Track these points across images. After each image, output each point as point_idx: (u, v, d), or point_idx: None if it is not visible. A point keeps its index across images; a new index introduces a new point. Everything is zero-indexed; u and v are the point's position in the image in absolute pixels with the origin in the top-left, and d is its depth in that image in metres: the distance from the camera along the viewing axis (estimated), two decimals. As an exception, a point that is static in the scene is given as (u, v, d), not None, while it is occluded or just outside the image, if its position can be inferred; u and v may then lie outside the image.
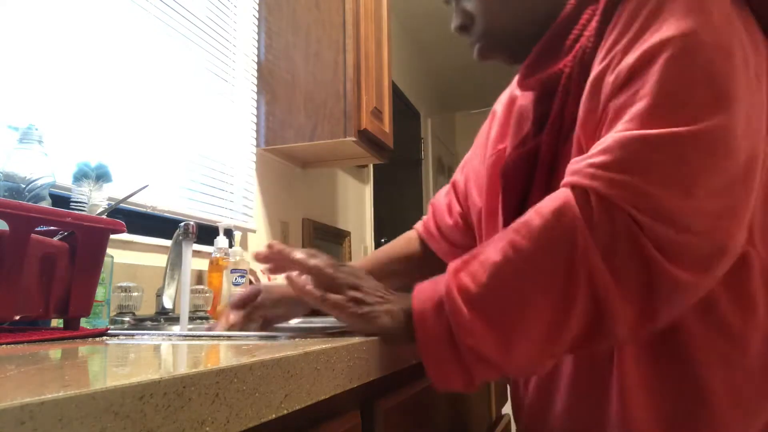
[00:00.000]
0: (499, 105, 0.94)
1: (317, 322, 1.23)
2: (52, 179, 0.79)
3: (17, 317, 0.60)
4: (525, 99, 0.84)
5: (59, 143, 1.19)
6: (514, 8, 0.73)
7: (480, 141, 0.98)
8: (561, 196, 0.55)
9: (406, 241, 1.08)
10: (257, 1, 2.05)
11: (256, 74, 2.02)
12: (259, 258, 0.71)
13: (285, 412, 0.41)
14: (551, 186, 0.68)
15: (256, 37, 2.04)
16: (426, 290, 0.59)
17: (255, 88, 2.01)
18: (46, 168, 0.78)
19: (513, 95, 0.91)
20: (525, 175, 0.71)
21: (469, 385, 0.57)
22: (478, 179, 0.91)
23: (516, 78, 0.91)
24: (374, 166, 3.06)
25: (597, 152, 0.55)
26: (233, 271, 1.44)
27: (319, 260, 0.63)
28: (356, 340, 0.55)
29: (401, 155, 3.22)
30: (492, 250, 0.57)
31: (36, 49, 1.18)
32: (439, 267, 1.02)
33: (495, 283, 0.55)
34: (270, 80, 2.00)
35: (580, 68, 0.66)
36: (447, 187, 1.07)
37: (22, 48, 1.15)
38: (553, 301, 0.53)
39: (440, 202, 1.05)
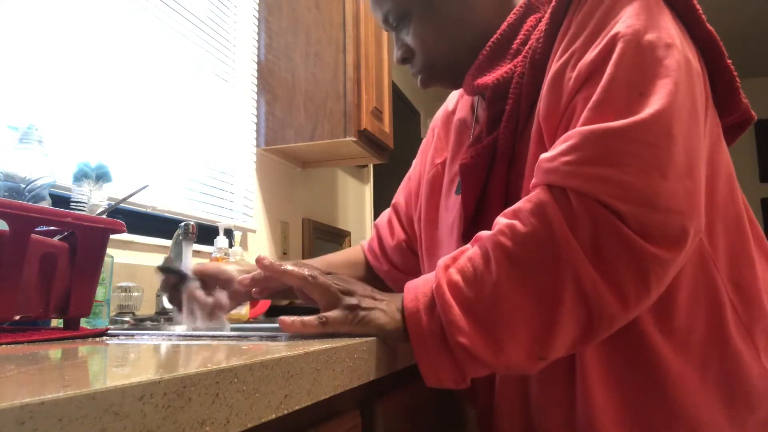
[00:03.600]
0: (436, 122, 0.98)
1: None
2: (52, 179, 0.79)
3: (17, 317, 0.60)
4: (463, 111, 0.88)
5: (59, 143, 1.19)
6: (450, 39, 0.77)
7: (420, 159, 1.01)
8: (541, 197, 0.56)
9: (353, 252, 1.10)
10: (257, 1, 2.05)
11: (256, 74, 2.02)
12: (245, 283, 0.71)
13: (285, 412, 0.41)
14: (510, 178, 0.72)
15: (256, 37, 2.04)
16: (416, 288, 0.60)
17: (255, 88, 2.01)
18: (46, 168, 0.78)
19: (448, 111, 0.96)
20: (483, 169, 0.74)
21: (460, 382, 0.57)
22: (419, 197, 0.95)
23: (452, 95, 0.98)
24: (374, 166, 3.05)
25: (567, 149, 0.56)
26: (233, 271, 1.43)
27: (309, 269, 0.63)
28: (356, 340, 0.55)
29: (401, 155, 3.23)
30: (478, 250, 0.57)
31: (36, 49, 1.18)
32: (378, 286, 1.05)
33: (483, 284, 0.55)
34: (270, 80, 2.00)
35: (531, 68, 0.70)
36: (389, 210, 1.08)
37: (22, 48, 1.15)
38: (540, 305, 0.53)
39: (383, 223, 1.07)
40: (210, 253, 1.49)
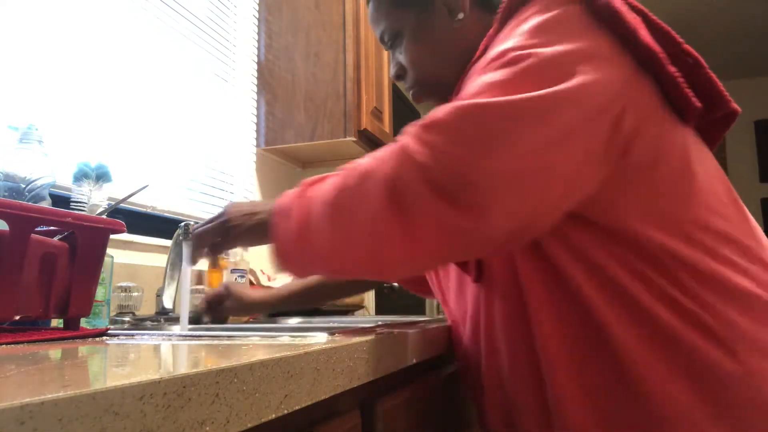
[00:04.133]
0: None
1: (317, 322, 1.23)
2: (52, 179, 0.79)
3: (17, 317, 0.60)
4: None
5: (59, 143, 1.19)
6: (437, 59, 0.83)
7: None
8: (388, 148, 0.62)
9: None
10: (257, 1, 2.05)
11: (256, 74, 2.02)
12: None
13: (285, 412, 0.41)
14: None
15: (256, 37, 2.04)
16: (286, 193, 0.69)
17: (255, 88, 2.01)
18: (46, 168, 0.78)
19: None
20: None
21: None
22: None
23: None
24: (374, 166, 3.06)
25: (427, 115, 0.62)
26: (233, 271, 1.44)
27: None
28: (356, 339, 0.55)
29: (401, 155, 3.22)
30: (333, 179, 0.65)
31: (36, 49, 1.18)
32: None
33: (319, 203, 0.63)
34: (270, 80, 2.00)
35: None
36: None
37: (22, 48, 1.15)
38: (350, 223, 0.61)
39: None
40: (210, 253, 1.49)
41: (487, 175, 0.56)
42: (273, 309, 1.16)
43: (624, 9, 0.65)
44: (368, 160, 0.63)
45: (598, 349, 0.64)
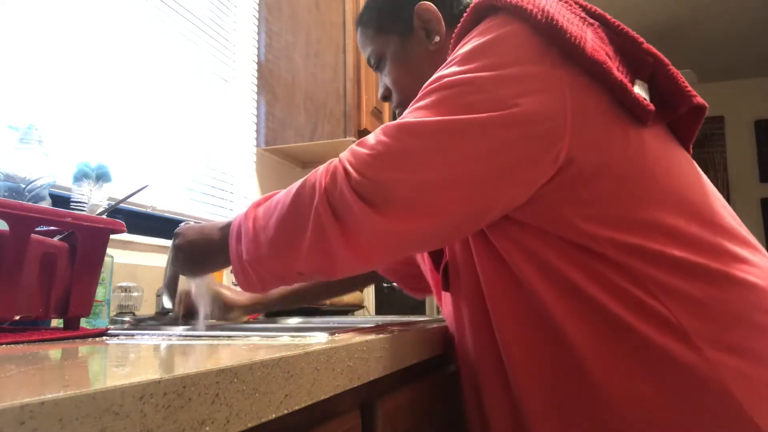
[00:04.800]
0: None
1: (317, 322, 1.23)
2: (52, 179, 0.79)
3: (17, 317, 0.60)
4: None
5: (59, 143, 1.19)
6: (417, 81, 0.83)
7: None
8: (329, 162, 0.67)
9: None
10: (257, 1, 2.05)
11: (256, 74, 2.02)
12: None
13: (285, 412, 0.41)
14: None
15: (256, 37, 2.04)
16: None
17: (255, 88, 2.01)
18: (46, 168, 0.78)
19: None
20: None
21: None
22: None
23: None
24: (374, 166, 3.06)
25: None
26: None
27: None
28: (356, 339, 0.55)
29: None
30: (279, 196, 0.70)
31: (36, 49, 1.18)
32: (382, 280, 1.14)
33: (267, 219, 0.69)
34: (270, 80, 2.00)
35: None
36: None
37: (22, 48, 1.15)
38: (296, 234, 0.66)
39: None
40: (210, 253, 1.49)
41: (396, 183, 0.62)
42: (255, 310, 1.14)
43: (567, 24, 0.64)
44: (311, 174, 0.68)
45: (557, 350, 0.65)
